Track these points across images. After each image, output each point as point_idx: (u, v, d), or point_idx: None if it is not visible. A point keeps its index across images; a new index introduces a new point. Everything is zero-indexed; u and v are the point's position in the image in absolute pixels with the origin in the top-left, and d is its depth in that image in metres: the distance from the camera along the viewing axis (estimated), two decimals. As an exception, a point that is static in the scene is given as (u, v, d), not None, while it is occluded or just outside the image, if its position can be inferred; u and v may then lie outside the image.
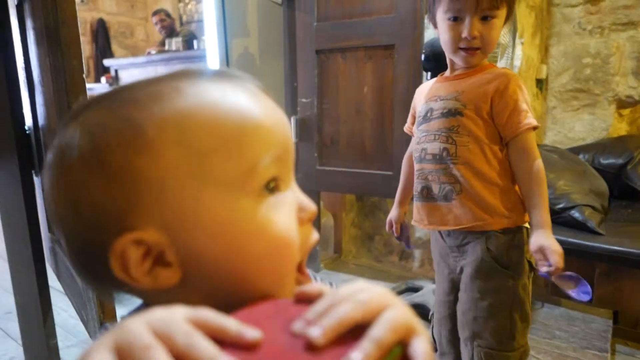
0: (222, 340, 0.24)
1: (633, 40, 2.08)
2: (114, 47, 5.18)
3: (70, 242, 0.33)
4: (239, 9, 2.02)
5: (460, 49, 0.94)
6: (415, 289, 1.82)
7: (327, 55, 1.91)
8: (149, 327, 0.23)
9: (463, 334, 1.01)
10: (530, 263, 0.96)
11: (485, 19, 0.92)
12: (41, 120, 1.28)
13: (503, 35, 1.30)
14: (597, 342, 1.44)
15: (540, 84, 2.25)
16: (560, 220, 1.63)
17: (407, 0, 1.68)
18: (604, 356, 1.37)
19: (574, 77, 2.22)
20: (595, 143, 2.10)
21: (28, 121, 1.30)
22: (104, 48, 5.00)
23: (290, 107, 2.04)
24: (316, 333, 0.24)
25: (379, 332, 0.24)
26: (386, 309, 0.25)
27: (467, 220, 0.95)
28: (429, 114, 1.02)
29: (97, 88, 4.39)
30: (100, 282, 0.34)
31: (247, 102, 0.33)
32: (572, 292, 0.91)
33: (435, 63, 1.40)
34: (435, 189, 0.99)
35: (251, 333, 0.24)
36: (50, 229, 1.44)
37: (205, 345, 0.22)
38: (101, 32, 5.02)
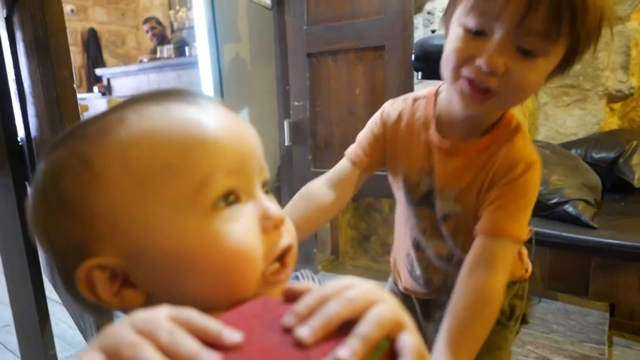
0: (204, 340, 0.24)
1: (621, 35, 2.10)
2: (106, 56, 5.17)
3: (53, 265, 0.35)
4: (230, 14, 2.03)
5: (465, 78, 0.57)
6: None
7: (318, 58, 1.92)
8: (133, 327, 0.23)
9: None
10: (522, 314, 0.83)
11: (526, 53, 0.54)
12: (33, 132, 1.28)
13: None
14: (594, 334, 1.45)
15: (531, 80, 2.26)
16: (554, 214, 1.64)
17: (396, 1, 1.69)
18: (601, 348, 1.38)
19: (563, 73, 2.24)
20: (587, 138, 2.12)
21: (20, 133, 1.30)
22: (95, 57, 4.99)
23: (283, 110, 2.04)
24: (305, 333, 0.24)
25: (365, 328, 0.24)
26: (373, 305, 0.26)
27: None
28: (431, 197, 0.72)
29: (89, 98, 4.38)
30: (83, 301, 0.35)
31: (191, 122, 0.33)
32: None
33: (426, 63, 1.41)
34: (438, 280, 0.79)
35: (232, 335, 0.24)
36: (45, 240, 1.44)
37: (189, 342, 0.23)
38: (92, 41, 5.01)
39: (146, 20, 4.70)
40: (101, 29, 5.16)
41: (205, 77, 2.01)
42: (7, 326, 1.73)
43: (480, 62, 0.54)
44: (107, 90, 4.34)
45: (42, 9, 0.87)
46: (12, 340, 1.45)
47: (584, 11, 0.51)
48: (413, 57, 1.45)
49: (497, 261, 0.62)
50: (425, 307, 0.85)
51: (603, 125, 2.19)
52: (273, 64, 2.10)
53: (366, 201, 2.33)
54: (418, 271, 0.80)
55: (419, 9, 1.94)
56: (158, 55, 4.32)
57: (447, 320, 0.61)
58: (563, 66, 0.59)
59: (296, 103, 1.99)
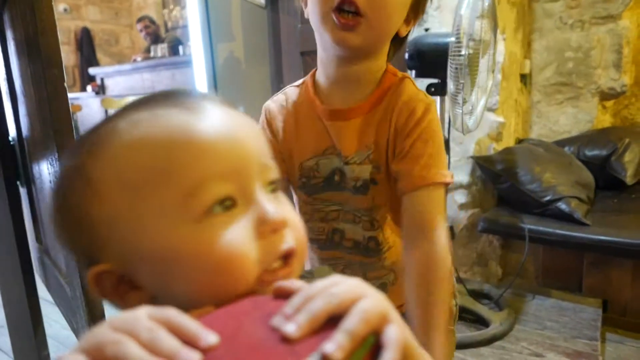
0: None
1: (613, 33, 2.11)
2: (99, 55, 5.15)
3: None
4: (224, 13, 2.02)
5: (333, 10, 0.60)
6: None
7: (312, 56, 1.91)
8: (113, 327, 0.24)
9: None
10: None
11: None
12: (25, 131, 1.28)
13: (485, 32, 1.30)
14: (587, 331, 1.46)
15: (524, 78, 2.27)
16: (548, 212, 1.65)
17: (389, -1, 1.69)
18: (594, 344, 1.39)
19: (557, 71, 2.25)
20: (580, 135, 2.13)
21: (12, 132, 1.29)
22: (89, 56, 4.97)
23: (277, 109, 2.04)
24: (291, 329, 0.25)
25: (351, 323, 0.25)
26: (359, 300, 0.26)
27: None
28: (336, 178, 0.70)
29: (83, 97, 4.36)
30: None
31: (179, 127, 0.32)
32: None
33: (419, 61, 1.42)
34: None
35: (207, 338, 0.24)
36: (37, 239, 1.43)
37: (168, 340, 0.23)
38: (86, 40, 4.99)
39: (140, 19, 4.69)
40: (95, 28, 5.14)
41: (199, 76, 2.00)
42: (0, 327, 1.72)
43: None
44: (100, 90, 4.32)
45: (32, 7, 0.87)
46: (5, 341, 1.44)
47: None
48: (406, 55, 1.46)
49: (430, 213, 0.62)
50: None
51: (596, 123, 2.20)
52: (267, 63, 2.10)
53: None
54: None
55: None
56: (152, 54, 4.31)
57: (410, 300, 0.61)
58: None
59: (290, 102, 1.99)
